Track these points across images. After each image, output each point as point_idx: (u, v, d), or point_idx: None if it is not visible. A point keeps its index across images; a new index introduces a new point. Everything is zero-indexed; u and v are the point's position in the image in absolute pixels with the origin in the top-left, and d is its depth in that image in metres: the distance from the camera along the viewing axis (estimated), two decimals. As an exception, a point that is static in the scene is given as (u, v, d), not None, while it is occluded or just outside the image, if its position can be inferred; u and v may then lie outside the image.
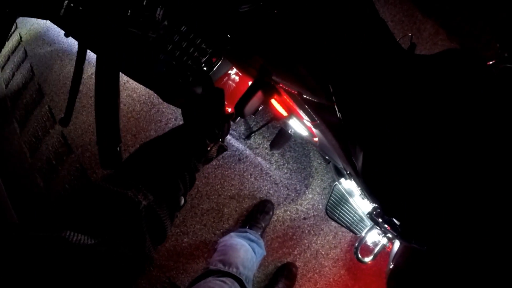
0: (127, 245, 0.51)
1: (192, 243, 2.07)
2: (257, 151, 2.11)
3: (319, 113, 0.88)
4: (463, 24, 2.05)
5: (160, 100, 1.05)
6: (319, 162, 2.08)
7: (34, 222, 0.47)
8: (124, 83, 2.30)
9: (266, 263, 1.99)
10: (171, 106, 2.15)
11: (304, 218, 2.04)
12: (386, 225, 0.90)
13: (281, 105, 1.19)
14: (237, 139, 2.13)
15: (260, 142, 2.12)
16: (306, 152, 2.10)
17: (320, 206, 2.05)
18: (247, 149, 2.11)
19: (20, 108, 2.52)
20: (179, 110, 2.21)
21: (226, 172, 2.11)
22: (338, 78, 0.71)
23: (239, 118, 0.98)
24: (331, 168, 1.67)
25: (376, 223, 0.98)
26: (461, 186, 0.59)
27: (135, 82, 1.00)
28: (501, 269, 0.58)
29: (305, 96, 0.86)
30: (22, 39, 2.71)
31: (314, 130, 1.02)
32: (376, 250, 1.32)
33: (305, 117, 0.99)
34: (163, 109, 2.24)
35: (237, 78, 1.22)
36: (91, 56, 0.85)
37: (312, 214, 2.04)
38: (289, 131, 1.59)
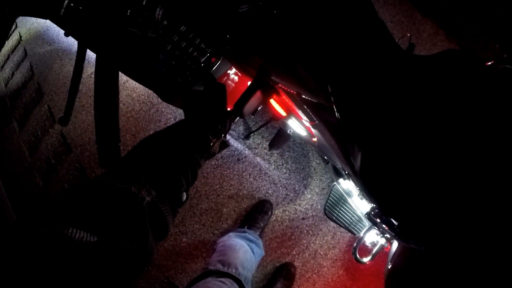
0: (130, 242, 0.51)
1: (190, 243, 2.07)
2: (256, 151, 2.12)
3: (318, 113, 0.88)
4: (462, 25, 2.05)
5: (160, 99, 1.05)
6: (318, 162, 2.09)
7: (36, 220, 0.47)
8: (124, 83, 2.30)
9: (264, 263, 2.00)
10: (171, 106, 2.15)
11: (303, 218, 2.04)
12: (384, 225, 0.90)
13: (280, 105, 1.19)
14: (236, 139, 2.13)
15: (259, 142, 2.12)
16: (305, 152, 2.10)
17: (319, 206, 2.05)
18: (246, 149, 2.12)
19: (20, 108, 2.51)
20: (179, 110, 2.22)
21: (225, 172, 2.11)
22: (337, 78, 0.71)
23: (238, 118, 0.98)
24: (329, 168, 1.68)
25: (374, 223, 0.98)
26: (460, 186, 0.59)
27: (134, 81, 1.00)
28: (500, 269, 0.58)
29: (304, 96, 0.86)
30: (22, 38, 2.71)
31: (313, 130, 1.02)
32: (374, 250, 1.32)
33: (304, 117, 0.99)
34: (163, 109, 2.24)
35: (236, 78, 1.22)
36: (90, 55, 0.85)
37: (311, 214, 2.04)
38: (288, 131, 1.59)
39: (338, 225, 1.60)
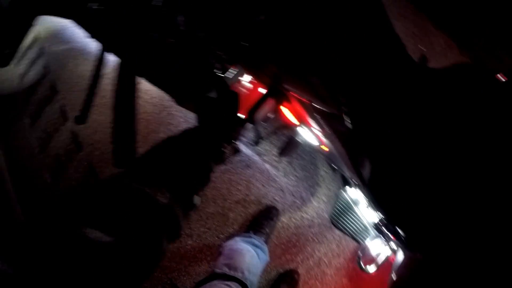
0: (143, 242, 0.52)
1: (195, 245, 2.07)
2: (265, 157, 2.12)
3: (329, 122, 0.89)
4: (476, 39, 2.04)
5: (171, 103, 1.07)
6: (326, 170, 2.09)
7: (52, 219, 0.48)
8: (136, 85, 2.30)
9: (268, 269, 1.99)
10: (182, 109, 2.16)
11: (309, 226, 2.04)
12: (390, 235, 0.91)
13: (291, 112, 1.20)
14: (245, 145, 2.14)
15: (268, 148, 2.13)
16: (313, 160, 2.11)
17: (325, 215, 2.04)
18: (255, 155, 2.12)
19: (33, 104, 2.54)
20: (190, 114, 2.23)
21: (233, 177, 2.11)
22: (350, 89, 0.72)
23: (249, 124, 0.99)
24: (337, 176, 1.68)
25: (380, 233, 0.99)
26: (470, 199, 0.60)
27: (147, 84, 1.01)
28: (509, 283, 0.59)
29: (316, 105, 0.87)
30: (39, 36, 2.74)
31: (323, 139, 1.03)
32: (379, 260, 1.32)
33: (315, 126, 1.00)
34: (174, 112, 2.25)
35: (249, 85, 1.23)
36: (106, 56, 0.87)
37: (317, 222, 2.04)
38: (297, 139, 1.60)
39: (343, 233, 1.60)
